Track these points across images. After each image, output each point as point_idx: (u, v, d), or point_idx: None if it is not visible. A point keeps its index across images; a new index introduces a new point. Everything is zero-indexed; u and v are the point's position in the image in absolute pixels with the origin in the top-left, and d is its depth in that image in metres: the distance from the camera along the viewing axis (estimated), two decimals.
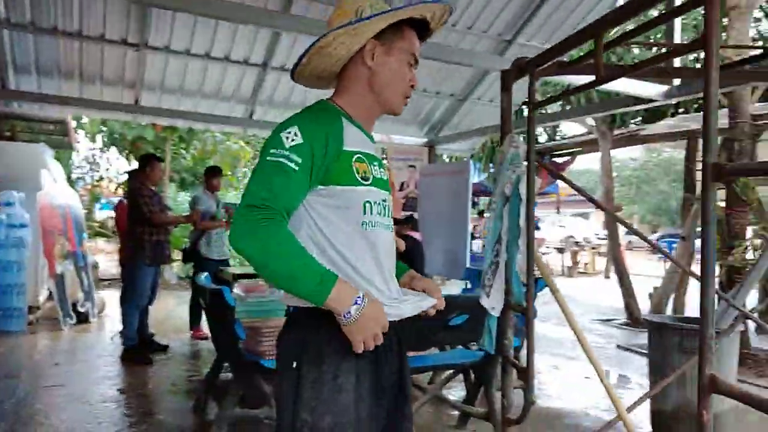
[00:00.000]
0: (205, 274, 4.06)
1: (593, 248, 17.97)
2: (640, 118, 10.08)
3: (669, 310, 7.66)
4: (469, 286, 4.95)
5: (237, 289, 3.52)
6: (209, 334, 6.13)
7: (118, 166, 13.00)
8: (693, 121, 8.52)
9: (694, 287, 2.55)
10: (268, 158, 1.45)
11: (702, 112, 1.33)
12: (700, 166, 1.92)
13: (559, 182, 13.06)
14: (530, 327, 2.06)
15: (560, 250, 17.13)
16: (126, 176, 6.77)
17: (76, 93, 6.69)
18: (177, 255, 8.80)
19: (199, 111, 7.24)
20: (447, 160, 10.71)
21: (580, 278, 15.93)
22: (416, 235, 5.82)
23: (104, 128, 11.38)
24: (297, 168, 1.43)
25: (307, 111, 1.58)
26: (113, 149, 12.51)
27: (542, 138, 13.66)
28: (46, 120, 8.33)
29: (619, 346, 6.75)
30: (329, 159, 1.46)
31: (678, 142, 9.10)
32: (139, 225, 5.17)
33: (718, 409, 3.26)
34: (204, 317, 6.47)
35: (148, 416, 3.90)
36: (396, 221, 6.15)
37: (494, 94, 7.98)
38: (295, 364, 1.46)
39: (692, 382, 3.68)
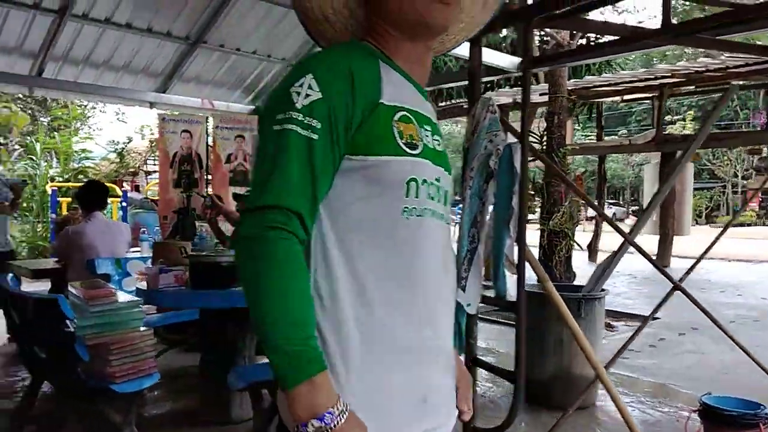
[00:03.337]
0: (10, 275, 3.11)
1: None
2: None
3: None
4: None
5: (73, 294, 2.69)
6: None
7: None
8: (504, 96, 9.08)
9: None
10: (274, 128, 0.96)
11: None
12: None
13: None
14: (521, 325, 1.76)
15: None
16: None
17: None
18: None
19: None
20: None
21: None
22: None
23: None
24: (317, 137, 0.95)
25: (326, 50, 1.06)
26: None
27: None
28: None
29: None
30: (359, 115, 0.98)
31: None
32: None
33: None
34: None
35: None
36: (238, 197, 5.51)
37: None
38: None
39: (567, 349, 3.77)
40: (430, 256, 1.06)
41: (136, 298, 2.66)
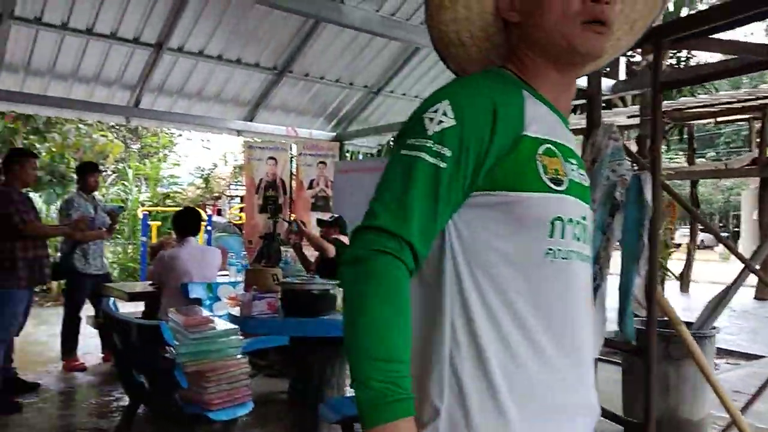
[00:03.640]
0: (112, 299, 3.20)
1: None
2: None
3: None
4: None
5: (173, 320, 2.74)
6: (84, 364, 5.21)
7: None
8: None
9: None
10: (402, 152, 0.92)
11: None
12: None
13: None
14: (651, 375, 1.60)
15: None
16: None
17: None
18: None
19: (72, 97, 6.08)
20: (360, 157, 10.13)
21: None
22: (344, 239, 5.24)
23: None
24: (445, 166, 0.89)
25: (466, 78, 1.00)
26: None
27: None
28: None
29: None
30: (499, 148, 0.91)
31: None
32: (9, 239, 4.06)
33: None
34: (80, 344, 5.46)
35: None
36: (321, 223, 5.53)
37: (408, 88, 7.60)
38: None
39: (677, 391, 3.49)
40: (577, 304, 0.97)
41: (233, 326, 2.67)
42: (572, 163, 0.98)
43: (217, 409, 2.55)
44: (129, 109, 6.42)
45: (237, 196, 13.94)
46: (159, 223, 9.74)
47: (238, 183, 14.03)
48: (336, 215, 5.37)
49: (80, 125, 10.33)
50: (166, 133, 15.69)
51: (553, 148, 0.95)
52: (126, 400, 4.19)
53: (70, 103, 6.07)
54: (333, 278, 3.49)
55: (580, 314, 0.97)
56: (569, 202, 0.94)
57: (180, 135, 16.98)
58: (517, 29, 1.03)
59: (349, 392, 4.00)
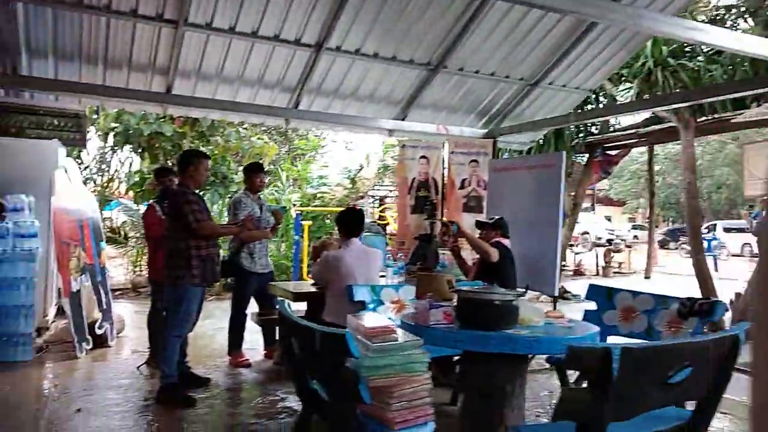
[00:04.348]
0: (286, 301, 3.13)
1: (628, 246, 17.01)
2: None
3: None
4: (594, 307, 4.01)
5: (351, 327, 2.58)
6: (249, 360, 5.34)
7: (131, 166, 12.00)
8: None
9: None
10: None
11: None
12: None
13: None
14: None
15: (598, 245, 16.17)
16: (154, 176, 5.81)
17: (99, 80, 5.76)
18: None
19: (238, 100, 6.32)
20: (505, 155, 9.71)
21: (616, 278, 15.05)
22: (506, 242, 4.90)
23: (116, 125, 10.40)
24: None
25: None
26: (125, 148, 11.55)
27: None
28: (61, 113, 7.38)
29: None
30: None
31: None
32: (184, 239, 4.22)
33: None
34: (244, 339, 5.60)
35: None
36: (481, 225, 5.23)
37: (568, 79, 7.08)
38: None
39: None
40: None
41: (417, 338, 2.47)
42: None
43: (399, 428, 2.36)
44: (289, 111, 6.56)
45: (382, 197, 14.04)
46: (310, 222, 9.98)
47: (385, 183, 14.12)
48: (496, 216, 5.05)
49: (240, 128, 10.90)
50: (315, 136, 16.22)
51: None
52: (291, 402, 4.21)
53: (236, 105, 6.30)
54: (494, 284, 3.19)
55: None
56: None
57: (326, 137, 17.48)
58: None
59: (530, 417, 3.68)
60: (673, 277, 15.06)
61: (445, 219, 6.50)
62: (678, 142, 9.16)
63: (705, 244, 17.38)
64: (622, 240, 18.05)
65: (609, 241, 17.31)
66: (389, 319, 4.08)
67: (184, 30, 5.29)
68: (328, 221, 11.29)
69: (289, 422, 3.87)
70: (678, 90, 7.64)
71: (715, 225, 24.26)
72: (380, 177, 13.57)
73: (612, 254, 15.62)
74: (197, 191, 4.57)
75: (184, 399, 4.16)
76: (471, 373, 3.11)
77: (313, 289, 4.74)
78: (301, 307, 5.04)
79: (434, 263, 5.15)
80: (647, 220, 15.88)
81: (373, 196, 14.06)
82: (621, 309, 3.80)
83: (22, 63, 5.37)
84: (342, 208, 5.62)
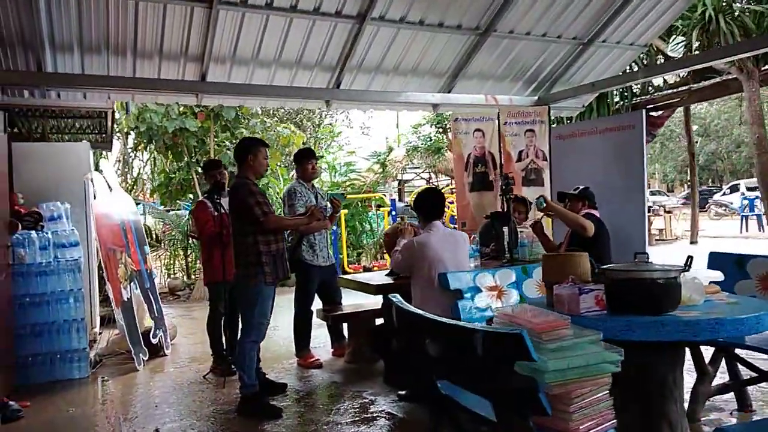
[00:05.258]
0: (397, 296, 2.65)
1: (668, 212, 16.42)
2: None
3: None
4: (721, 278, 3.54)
5: (503, 322, 2.14)
6: (320, 360, 4.94)
7: (155, 166, 11.56)
8: None
9: None
10: None
11: None
12: None
13: None
14: None
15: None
16: (202, 170, 5.33)
17: (128, 72, 5.34)
18: None
19: (275, 84, 5.87)
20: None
21: (658, 245, 14.55)
22: (596, 213, 4.46)
23: (139, 124, 9.98)
24: None
25: None
26: (148, 147, 11.15)
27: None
28: (85, 114, 6.98)
29: None
30: None
31: None
32: (251, 234, 3.79)
33: None
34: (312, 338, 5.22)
35: None
36: (563, 197, 4.79)
37: (624, 34, 6.57)
38: None
39: None
40: None
41: (596, 332, 2.03)
42: None
43: None
44: (330, 92, 6.10)
45: (410, 179, 13.59)
46: (345, 211, 9.57)
47: (412, 166, 13.59)
48: (581, 186, 4.59)
49: (265, 119, 10.45)
50: (330, 123, 15.77)
51: None
52: (383, 404, 3.80)
53: (274, 90, 5.86)
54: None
55: None
56: None
57: (343, 122, 17.04)
58: None
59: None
60: (720, 240, 14.54)
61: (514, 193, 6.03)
62: (729, 96, 8.63)
63: (747, 204, 16.81)
64: (660, 206, 17.39)
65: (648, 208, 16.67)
66: (490, 307, 3.68)
67: (218, 9, 4.84)
68: (360, 207, 10.87)
69: (389, 426, 3.47)
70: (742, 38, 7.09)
71: (737, 185, 23.47)
72: (410, 158, 13.06)
73: (651, 221, 15.06)
74: (258, 182, 4.14)
75: (268, 409, 3.77)
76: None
77: (390, 280, 4.32)
78: (367, 300, 4.63)
79: (515, 243, 4.70)
80: (663, 185, 15.29)
81: (401, 180, 13.62)
82: (758, 278, 3.34)
83: (46, 59, 4.95)
84: (368, 194, 5.23)
